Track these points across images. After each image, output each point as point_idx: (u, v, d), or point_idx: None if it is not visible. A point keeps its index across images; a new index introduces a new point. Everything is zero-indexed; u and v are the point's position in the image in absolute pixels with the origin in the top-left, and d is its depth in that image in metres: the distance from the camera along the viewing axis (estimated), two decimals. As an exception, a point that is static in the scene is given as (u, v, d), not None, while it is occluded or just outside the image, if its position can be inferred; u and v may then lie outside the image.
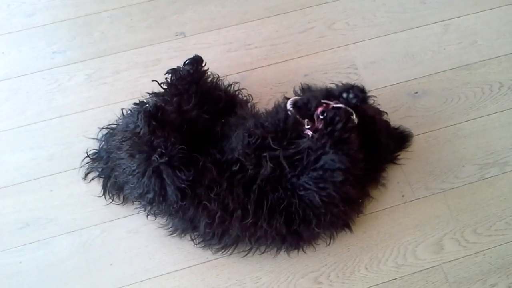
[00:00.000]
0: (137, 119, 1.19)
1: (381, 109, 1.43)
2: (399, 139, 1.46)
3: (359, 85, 1.26)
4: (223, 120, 1.35)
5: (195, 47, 1.63)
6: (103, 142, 1.44)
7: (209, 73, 1.47)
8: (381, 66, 1.60)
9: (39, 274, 1.33)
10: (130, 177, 1.23)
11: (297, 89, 1.43)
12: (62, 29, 1.67)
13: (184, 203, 1.20)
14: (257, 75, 1.59)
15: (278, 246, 1.29)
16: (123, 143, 1.23)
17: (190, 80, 1.37)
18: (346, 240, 1.35)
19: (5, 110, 1.53)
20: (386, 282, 1.31)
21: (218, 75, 1.49)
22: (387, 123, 1.43)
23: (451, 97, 1.55)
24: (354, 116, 1.22)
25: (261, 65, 1.60)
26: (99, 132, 1.47)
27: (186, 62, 1.42)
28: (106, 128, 1.47)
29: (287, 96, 1.41)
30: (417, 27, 1.67)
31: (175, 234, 1.33)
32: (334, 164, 1.16)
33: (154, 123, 1.17)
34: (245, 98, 1.51)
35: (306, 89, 1.41)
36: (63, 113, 1.53)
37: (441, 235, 1.37)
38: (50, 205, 1.40)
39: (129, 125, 1.24)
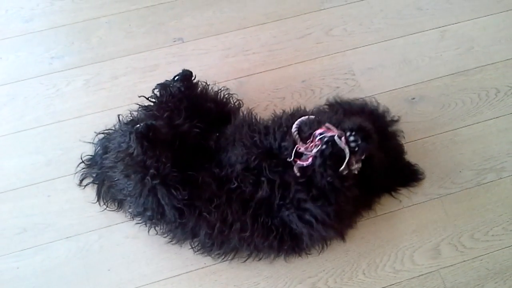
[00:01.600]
0: (129, 139, 1.18)
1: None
2: (408, 176, 1.43)
3: (369, 129, 1.15)
4: (217, 134, 1.32)
5: (193, 52, 1.64)
6: (99, 147, 1.44)
7: (198, 82, 1.46)
8: (378, 72, 1.60)
9: (37, 279, 1.32)
10: (128, 197, 1.24)
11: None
12: (60, 34, 1.67)
13: (183, 220, 1.20)
14: (255, 81, 1.59)
15: (275, 254, 1.30)
16: (117, 163, 1.23)
17: (181, 97, 1.35)
18: (344, 246, 1.36)
19: (3, 115, 1.53)
20: (384, 287, 1.32)
21: (206, 82, 1.47)
22: (400, 154, 1.42)
23: (448, 103, 1.56)
24: (353, 164, 1.15)
25: (259, 71, 1.61)
26: (95, 137, 1.47)
27: (176, 78, 1.41)
28: (102, 133, 1.46)
29: (285, 101, 1.44)
30: (414, 33, 1.68)
31: (173, 242, 1.33)
32: (314, 216, 1.17)
33: (146, 143, 1.16)
34: (236, 104, 1.50)
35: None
36: (61, 119, 1.53)
37: (438, 241, 1.37)
38: (48, 211, 1.40)
39: (122, 144, 1.22)
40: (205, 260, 1.33)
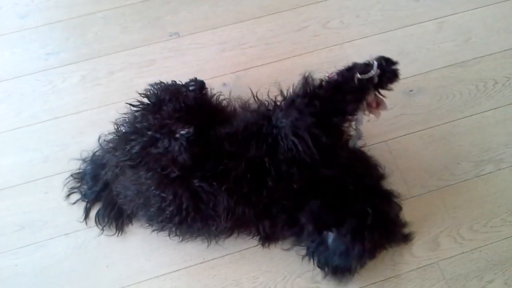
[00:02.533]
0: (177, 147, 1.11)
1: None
2: (399, 238, 1.31)
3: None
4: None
5: (190, 47, 1.63)
6: (89, 167, 1.42)
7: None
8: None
9: (36, 276, 1.32)
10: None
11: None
12: (56, 30, 1.66)
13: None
14: (252, 75, 1.58)
15: None
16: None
17: (193, 106, 1.27)
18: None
19: (-1, 112, 1.53)
20: (383, 280, 1.31)
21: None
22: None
23: (446, 95, 1.55)
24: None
25: (256, 64, 1.60)
26: (84, 158, 1.45)
27: (191, 87, 1.36)
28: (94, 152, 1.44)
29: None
30: (412, 25, 1.67)
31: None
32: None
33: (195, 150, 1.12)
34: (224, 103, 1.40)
35: None
36: (57, 115, 1.52)
37: (437, 233, 1.37)
38: (46, 208, 1.40)
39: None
40: (204, 255, 1.33)
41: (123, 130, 1.25)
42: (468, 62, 1.61)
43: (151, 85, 1.30)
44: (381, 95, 1.20)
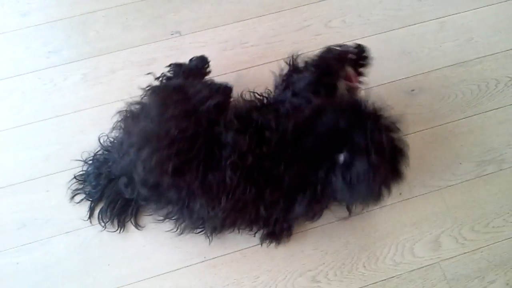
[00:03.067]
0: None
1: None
2: None
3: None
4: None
5: (191, 46, 1.63)
6: (91, 167, 1.41)
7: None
8: (377, 63, 1.57)
9: (37, 274, 1.32)
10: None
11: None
12: (57, 28, 1.66)
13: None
14: (254, 74, 1.58)
15: None
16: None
17: (197, 74, 1.40)
18: (344, 239, 1.36)
19: (0, 110, 1.52)
20: (384, 280, 1.32)
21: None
22: None
23: (447, 95, 1.55)
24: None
25: (258, 63, 1.60)
26: (87, 157, 1.44)
27: (192, 59, 1.46)
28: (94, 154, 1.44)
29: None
30: (414, 24, 1.67)
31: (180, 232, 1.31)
32: None
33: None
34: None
35: None
36: (59, 113, 1.52)
37: (438, 233, 1.37)
38: (47, 206, 1.40)
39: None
40: (205, 254, 1.33)
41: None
42: (470, 62, 1.60)
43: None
44: (357, 72, 1.34)
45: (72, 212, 1.39)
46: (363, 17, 1.68)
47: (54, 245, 1.35)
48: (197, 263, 1.33)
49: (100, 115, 1.51)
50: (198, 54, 1.58)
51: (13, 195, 1.41)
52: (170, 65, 1.42)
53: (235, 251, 1.33)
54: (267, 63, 1.59)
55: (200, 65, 1.45)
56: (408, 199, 1.40)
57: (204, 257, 1.33)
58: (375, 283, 1.31)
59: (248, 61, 1.60)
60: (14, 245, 1.35)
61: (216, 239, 1.33)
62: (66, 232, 1.37)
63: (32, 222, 1.38)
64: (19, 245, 1.35)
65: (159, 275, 1.32)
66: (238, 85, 1.52)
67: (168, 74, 1.40)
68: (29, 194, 1.41)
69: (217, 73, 1.55)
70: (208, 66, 1.48)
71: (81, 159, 1.44)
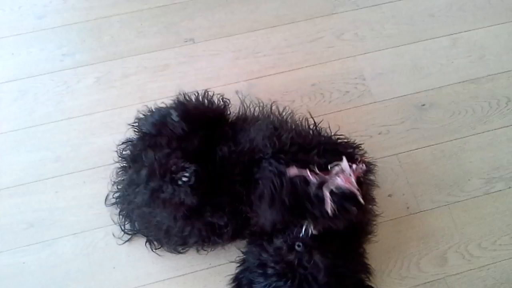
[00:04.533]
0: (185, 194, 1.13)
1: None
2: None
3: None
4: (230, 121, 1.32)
5: (204, 53, 1.64)
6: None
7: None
8: (389, 77, 1.60)
9: (42, 275, 1.33)
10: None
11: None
12: (72, 32, 1.68)
13: None
14: (265, 83, 1.59)
15: None
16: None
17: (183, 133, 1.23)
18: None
19: (13, 111, 1.54)
20: (390, 294, 1.31)
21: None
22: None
23: (458, 111, 1.55)
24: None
25: (269, 73, 1.61)
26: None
27: (173, 117, 1.21)
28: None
29: (294, 104, 1.44)
30: (426, 40, 1.67)
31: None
32: None
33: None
34: (221, 104, 1.38)
35: None
36: (71, 115, 1.53)
37: (445, 248, 1.36)
38: (55, 207, 1.40)
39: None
40: (210, 261, 1.33)
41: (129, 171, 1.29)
42: (482, 79, 1.61)
43: (137, 118, 1.31)
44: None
45: (80, 214, 1.39)
46: (375, 30, 1.68)
47: (61, 246, 1.36)
48: (202, 270, 1.33)
49: (112, 119, 1.52)
50: (211, 61, 1.60)
51: (22, 195, 1.42)
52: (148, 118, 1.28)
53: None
54: (279, 73, 1.60)
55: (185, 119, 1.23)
56: (416, 213, 1.40)
57: (210, 264, 1.33)
58: (380, 297, 1.31)
59: (260, 70, 1.61)
60: (21, 244, 1.36)
61: (221, 248, 1.33)
62: (73, 234, 1.37)
63: (39, 223, 1.39)
64: (26, 244, 1.36)
65: (164, 280, 1.32)
66: (250, 94, 1.54)
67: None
68: (37, 194, 1.42)
69: (229, 81, 1.57)
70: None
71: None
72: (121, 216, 1.35)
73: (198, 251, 1.32)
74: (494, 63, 1.63)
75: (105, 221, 1.38)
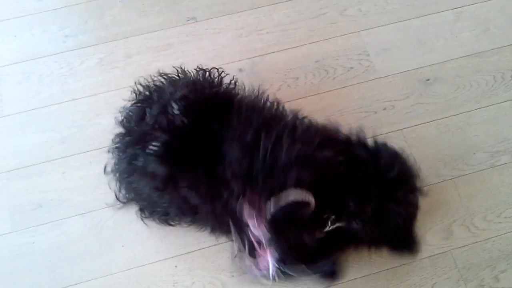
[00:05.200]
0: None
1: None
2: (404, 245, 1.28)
3: None
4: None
5: (206, 32, 1.63)
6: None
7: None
8: (393, 52, 1.59)
9: (52, 254, 1.34)
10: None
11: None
12: (74, 13, 1.67)
13: None
14: (268, 61, 1.58)
15: None
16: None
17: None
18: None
19: (18, 93, 1.54)
20: (395, 267, 1.32)
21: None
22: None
23: (462, 85, 1.54)
24: None
25: (273, 50, 1.60)
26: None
27: (176, 109, 1.17)
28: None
29: (298, 81, 1.44)
30: (430, 14, 1.66)
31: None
32: None
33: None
34: (232, 86, 1.35)
35: None
36: (75, 97, 1.54)
37: (450, 222, 1.37)
38: (63, 187, 1.41)
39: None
40: (218, 238, 1.34)
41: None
42: (486, 52, 1.60)
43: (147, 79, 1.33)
44: None
45: (87, 194, 1.40)
46: (379, 6, 1.67)
47: (69, 226, 1.37)
48: (209, 247, 1.34)
49: (116, 99, 1.51)
50: (214, 40, 1.59)
51: (29, 176, 1.43)
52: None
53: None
54: (282, 50, 1.60)
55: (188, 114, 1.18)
56: (421, 187, 1.40)
57: (217, 241, 1.34)
58: (386, 270, 1.32)
59: (263, 48, 1.60)
60: (30, 225, 1.37)
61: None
62: (81, 214, 1.38)
63: (48, 203, 1.40)
64: (35, 225, 1.37)
65: (172, 257, 1.33)
66: (253, 72, 1.55)
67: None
68: (45, 175, 1.43)
69: (232, 60, 1.56)
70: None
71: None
72: (116, 184, 1.36)
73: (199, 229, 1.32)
74: (498, 36, 1.62)
75: (112, 200, 1.38)
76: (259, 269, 1.09)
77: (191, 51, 1.60)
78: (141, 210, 1.35)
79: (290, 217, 1.07)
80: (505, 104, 1.52)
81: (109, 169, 1.39)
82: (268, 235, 1.05)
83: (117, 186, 1.36)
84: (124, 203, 1.37)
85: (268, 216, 1.05)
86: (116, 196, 1.37)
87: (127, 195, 1.36)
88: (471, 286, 1.30)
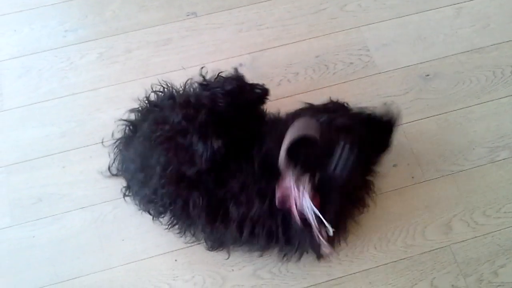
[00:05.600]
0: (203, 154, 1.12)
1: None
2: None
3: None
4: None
5: (207, 27, 1.63)
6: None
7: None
8: (393, 48, 1.59)
9: (52, 248, 1.34)
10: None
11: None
12: (74, 7, 1.67)
13: None
14: (268, 56, 1.58)
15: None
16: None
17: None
18: (355, 220, 1.36)
19: (18, 87, 1.54)
20: (395, 261, 1.33)
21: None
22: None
23: (462, 80, 1.55)
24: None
25: (273, 45, 1.60)
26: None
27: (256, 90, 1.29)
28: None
29: (298, 76, 1.45)
30: (430, 10, 1.66)
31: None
32: None
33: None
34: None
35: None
36: (75, 91, 1.54)
37: (450, 216, 1.37)
38: (63, 181, 1.42)
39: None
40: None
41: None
42: (486, 48, 1.60)
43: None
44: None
45: (87, 188, 1.41)
46: (378, 1, 1.67)
47: (69, 220, 1.37)
48: (210, 241, 1.34)
49: (116, 94, 1.52)
50: (214, 35, 1.60)
51: (29, 170, 1.43)
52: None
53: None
54: (282, 45, 1.60)
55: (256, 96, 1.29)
56: (421, 182, 1.41)
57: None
58: (385, 264, 1.32)
59: (263, 43, 1.60)
60: (30, 219, 1.37)
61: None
62: (81, 208, 1.38)
63: (48, 197, 1.40)
64: (35, 219, 1.37)
65: (172, 251, 1.33)
66: (253, 67, 1.55)
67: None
68: (45, 169, 1.43)
69: (232, 55, 1.57)
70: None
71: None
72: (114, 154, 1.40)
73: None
74: (498, 32, 1.62)
75: (113, 194, 1.39)
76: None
77: (191, 46, 1.60)
78: (128, 187, 1.36)
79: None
80: (505, 99, 1.52)
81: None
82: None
83: (114, 156, 1.40)
84: (114, 175, 1.40)
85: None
86: (109, 166, 1.40)
87: (119, 169, 1.39)
88: (470, 280, 1.31)
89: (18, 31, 1.63)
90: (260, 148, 1.18)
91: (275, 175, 1.12)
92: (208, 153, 1.11)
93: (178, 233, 1.31)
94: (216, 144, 1.12)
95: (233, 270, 1.32)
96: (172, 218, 1.28)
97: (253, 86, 1.29)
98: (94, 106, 1.52)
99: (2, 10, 1.66)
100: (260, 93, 1.29)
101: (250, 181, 1.15)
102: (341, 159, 1.05)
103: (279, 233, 1.18)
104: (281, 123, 1.22)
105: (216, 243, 1.29)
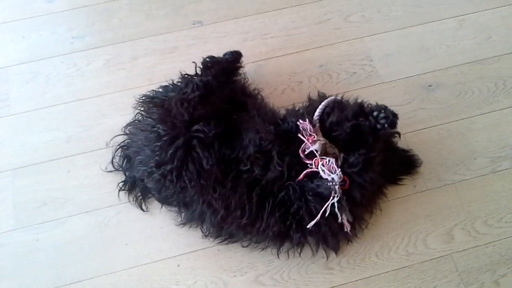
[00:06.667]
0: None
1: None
2: (407, 163, 1.44)
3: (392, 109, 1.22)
4: (234, 116, 1.32)
5: (212, 35, 1.66)
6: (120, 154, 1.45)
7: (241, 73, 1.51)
8: (396, 58, 1.61)
9: (56, 252, 1.35)
10: (155, 146, 1.23)
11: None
12: (82, 15, 1.69)
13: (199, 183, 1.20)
14: (272, 65, 1.60)
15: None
16: (155, 108, 1.30)
17: (225, 67, 1.42)
18: (357, 228, 1.37)
19: (25, 92, 1.56)
20: (396, 269, 1.33)
21: (247, 79, 1.51)
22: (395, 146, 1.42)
23: (464, 91, 1.56)
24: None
25: (277, 55, 1.62)
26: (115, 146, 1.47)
27: (226, 53, 1.48)
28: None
29: (302, 85, 1.46)
30: (433, 21, 1.68)
31: (184, 225, 1.36)
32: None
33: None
34: (254, 91, 1.49)
35: (337, 104, 1.32)
36: (81, 97, 1.55)
37: (451, 225, 1.38)
38: (67, 186, 1.43)
39: (170, 93, 1.35)
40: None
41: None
42: (488, 60, 1.62)
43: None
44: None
45: (92, 193, 1.42)
46: (382, 12, 1.69)
47: (73, 224, 1.38)
48: (212, 246, 1.35)
49: (121, 100, 1.54)
50: (219, 43, 1.62)
51: (35, 174, 1.45)
52: (207, 57, 1.43)
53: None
54: (286, 54, 1.62)
55: (232, 58, 1.47)
56: (423, 191, 1.42)
57: (220, 240, 1.35)
58: (387, 272, 1.33)
59: (268, 52, 1.62)
60: (35, 222, 1.39)
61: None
62: (85, 212, 1.40)
63: (52, 201, 1.41)
64: (39, 222, 1.39)
65: (175, 256, 1.34)
66: (258, 75, 1.56)
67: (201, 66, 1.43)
68: (50, 174, 1.45)
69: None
70: (240, 63, 1.50)
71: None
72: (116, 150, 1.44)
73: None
74: (500, 44, 1.64)
75: (116, 199, 1.40)
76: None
77: (197, 54, 1.60)
78: (124, 183, 1.40)
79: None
80: (506, 110, 1.54)
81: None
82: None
83: (117, 151, 1.44)
84: (114, 170, 1.43)
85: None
86: (112, 160, 1.44)
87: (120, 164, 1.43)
88: (471, 290, 1.32)
89: (26, 37, 1.65)
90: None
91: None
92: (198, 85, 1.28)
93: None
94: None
95: (235, 275, 1.32)
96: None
97: (225, 55, 1.48)
98: (99, 112, 1.53)
99: (12, 17, 1.69)
100: (231, 57, 1.47)
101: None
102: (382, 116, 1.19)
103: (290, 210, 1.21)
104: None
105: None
